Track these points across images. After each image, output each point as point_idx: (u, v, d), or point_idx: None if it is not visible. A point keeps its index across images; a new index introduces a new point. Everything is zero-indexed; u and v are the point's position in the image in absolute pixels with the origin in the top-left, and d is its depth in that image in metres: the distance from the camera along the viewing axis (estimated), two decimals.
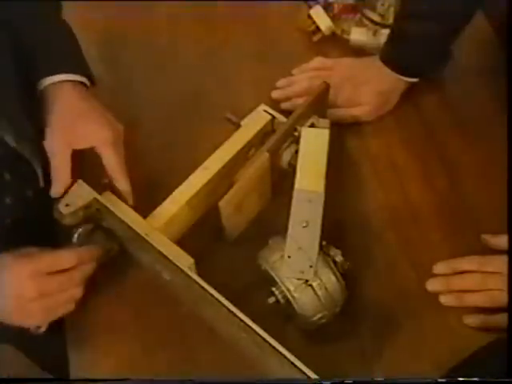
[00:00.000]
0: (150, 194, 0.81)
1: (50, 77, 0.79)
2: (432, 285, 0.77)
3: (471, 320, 0.74)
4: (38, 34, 0.81)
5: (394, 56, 0.90)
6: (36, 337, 0.72)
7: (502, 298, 0.72)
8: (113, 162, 0.77)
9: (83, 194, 0.74)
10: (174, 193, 0.77)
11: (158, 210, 0.76)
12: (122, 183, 0.78)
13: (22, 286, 0.68)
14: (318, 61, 0.96)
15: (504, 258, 0.74)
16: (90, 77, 0.83)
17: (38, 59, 0.80)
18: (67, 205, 0.73)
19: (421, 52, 0.88)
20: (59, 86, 0.79)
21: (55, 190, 0.76)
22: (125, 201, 0.77)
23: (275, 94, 0.94)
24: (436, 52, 0.90)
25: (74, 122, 0.78)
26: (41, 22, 0.83)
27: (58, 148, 0.76)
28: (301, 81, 0.93)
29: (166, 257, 0.71)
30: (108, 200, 0.75)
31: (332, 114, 0.89)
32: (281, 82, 0.95)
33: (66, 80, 0.79)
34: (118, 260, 0.79)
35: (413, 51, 0.88)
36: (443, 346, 0.74)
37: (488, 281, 0.74)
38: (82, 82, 0.81)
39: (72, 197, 0.74)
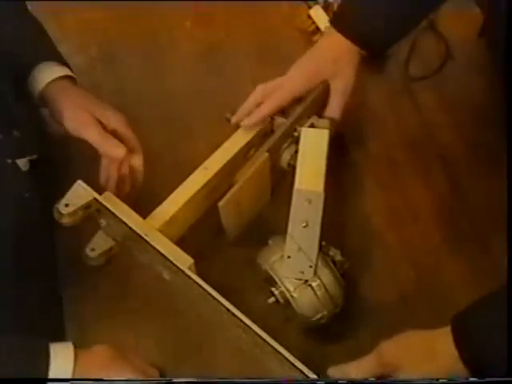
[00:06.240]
0: (149, 194, 0.81)
1: (47, 74, 0.80)
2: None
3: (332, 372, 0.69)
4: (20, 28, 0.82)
5: (346, 19, 0.83)
6: None
7: None
8: (134, 138, 0.80)
9: (83, 194, 0.74)
10: (173, 193, 0.77)
11: (158, 210, 0.76)
12: (140, 158, 0.80)
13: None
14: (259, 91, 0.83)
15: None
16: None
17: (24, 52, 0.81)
18: (67, 205, 0.73)
19: (371, 16, 0.81)
20: (59, 81, 0.80)
21: (117, 151, 0.78)
22: (125, 201, 0.77)
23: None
24: (387, 17, 0.82)
25: (89, 106, 0.79)
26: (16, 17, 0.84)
27: (87, 121, 0.78)
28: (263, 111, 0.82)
29: (165, 257, 0.71)
30: (108, 200, 0.75)
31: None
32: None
33: (64, 75, 0.81)
34: (118, 260, 0.79)
35: (364, 15, 0.82)
36: None
37: None
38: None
39: (72, 197, 0.74)
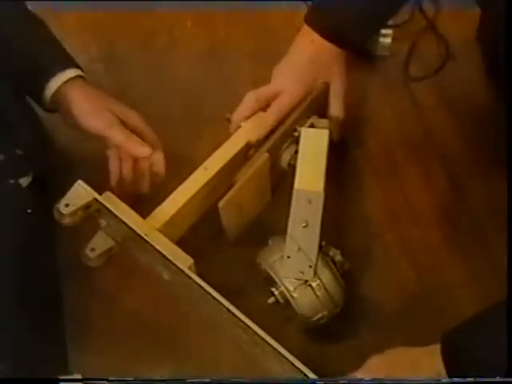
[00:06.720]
0: (149, 194, 0.81)
1: (59, 76, 0.78)
2: None
3: None
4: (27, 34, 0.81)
5: (319, 16, 0.83)
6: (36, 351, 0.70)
7: None
8: (153, 134, 0.80)
9: (83, 194, 0.74)
10: (173, 193, 0.77)
11: (158, 210, 0.76)
12: (161, 154, 0.80)
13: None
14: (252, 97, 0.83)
15: None
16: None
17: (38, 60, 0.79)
18: (67, 205, 0.73)
19: (344, 11, 0.81)
20: (73, 82, 0.79)
21: (143, 150, 0.78)
22: (126, 201, 0.77)
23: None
24: (360, 11, 0.81)
25: (108, 105, 0.79)
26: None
27: (109, 119, 0.77)
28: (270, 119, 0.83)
29: (165, 257, 0.71)
30: (108, 200, 0.75)
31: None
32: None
33: (76, 76, 0.80)
34: (118, 260, 0.79)
35: (337, 11, 0.82)
36: None
37: None
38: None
39: (72, 197, 0.74)
